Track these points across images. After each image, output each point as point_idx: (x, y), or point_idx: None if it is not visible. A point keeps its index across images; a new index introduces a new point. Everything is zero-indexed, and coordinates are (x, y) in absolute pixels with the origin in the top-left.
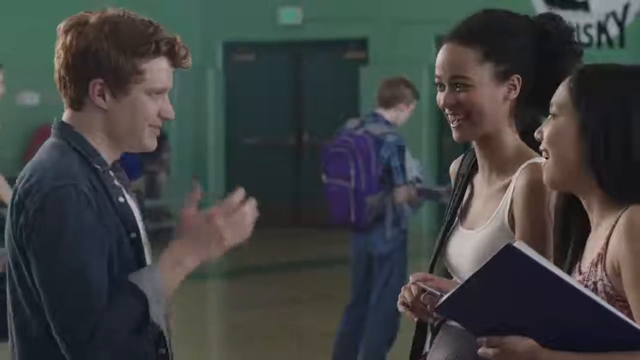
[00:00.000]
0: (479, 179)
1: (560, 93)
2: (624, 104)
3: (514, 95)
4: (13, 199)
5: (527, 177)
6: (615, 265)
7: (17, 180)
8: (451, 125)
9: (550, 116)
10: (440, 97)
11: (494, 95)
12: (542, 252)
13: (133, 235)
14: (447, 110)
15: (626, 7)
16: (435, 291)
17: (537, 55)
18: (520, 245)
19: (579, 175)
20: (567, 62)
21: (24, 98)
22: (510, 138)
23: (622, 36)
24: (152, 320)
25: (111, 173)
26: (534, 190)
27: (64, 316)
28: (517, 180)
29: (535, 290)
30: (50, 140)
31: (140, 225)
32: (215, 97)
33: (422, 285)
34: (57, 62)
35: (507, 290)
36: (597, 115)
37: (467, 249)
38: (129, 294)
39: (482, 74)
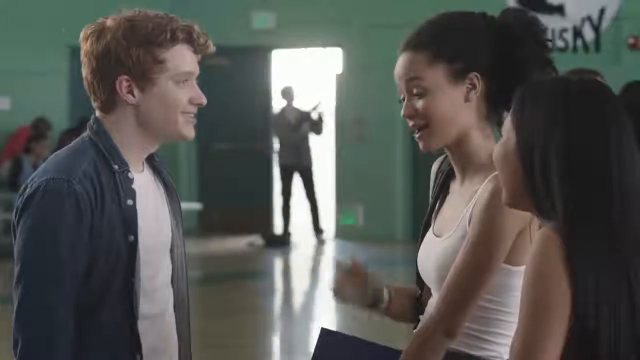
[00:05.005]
0: (454, 183)
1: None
2: (544, 121)
3: (475, 94)
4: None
5: (490, 185)
6: None
7: None
8: (416, 137)
9: None
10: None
11: (453, 97)
12: (481, 263)
13: (131, 238)
14: (409, 122)
15: (602, 12)
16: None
17: (496, 53)
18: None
19: (523, 196)
20: (528, 55)
21: None
22: (482, 141)
23: (598, 41)
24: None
25: (130, 175)
26: (493, 199)
27: (23, 292)
28: (482, 188)
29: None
30: (83, 134)
31: (149, 229)
32: None
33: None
34: (84, 70)
35: None
36: (523, 133)
37: (431, 257)
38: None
39: (435, 75)
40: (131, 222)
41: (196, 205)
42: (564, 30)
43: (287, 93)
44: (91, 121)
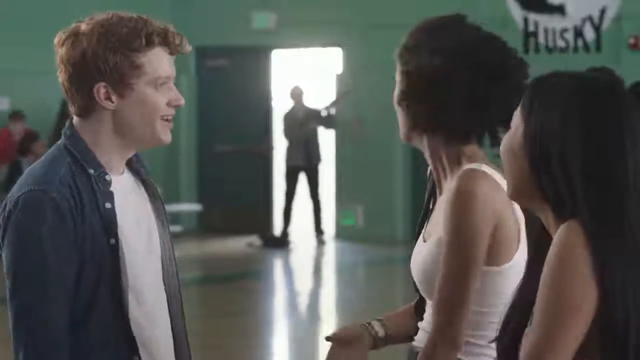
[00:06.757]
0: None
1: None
2: (561, 118)
3: None
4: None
5: (455, 183)
6: None
7: None
8: None
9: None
10: None
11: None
12: (462, 266)
13: (112, 241)
14: None
15: (603, 11)
16: None
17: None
18: None
19: (528, 189)
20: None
21: None
22: (445, 143)
23: (598, 41)
24: None
25: (107, 177)
26: (456, 197)
27: (18, 309)
28: (446, 188)
29: None
30: (57, 142)
31: (130, 229)
32: (188, 103)
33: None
34: (60, 76)
35: None
36: (535, 127)
37: (417, 261)
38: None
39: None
40: (111, 225)
41: (196, 206)
42: (565, 30)
43: (295, 93)
44: (66, 127)
